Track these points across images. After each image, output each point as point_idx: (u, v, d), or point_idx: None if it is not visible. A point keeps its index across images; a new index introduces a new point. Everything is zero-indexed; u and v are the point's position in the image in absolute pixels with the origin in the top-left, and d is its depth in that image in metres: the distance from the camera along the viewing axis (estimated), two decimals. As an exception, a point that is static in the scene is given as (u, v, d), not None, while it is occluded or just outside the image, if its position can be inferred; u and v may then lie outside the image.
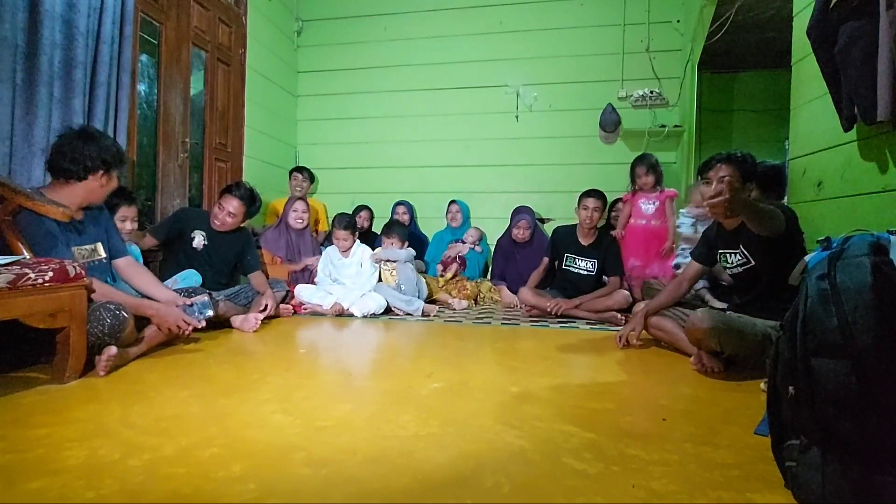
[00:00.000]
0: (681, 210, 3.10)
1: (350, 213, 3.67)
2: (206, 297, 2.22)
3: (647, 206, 3.32)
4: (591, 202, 3.06)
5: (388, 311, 3.07)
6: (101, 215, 2.01)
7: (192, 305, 2.05)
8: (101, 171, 1.82)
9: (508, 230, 3.80)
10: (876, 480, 0.80)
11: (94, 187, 1.83)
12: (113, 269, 2.04)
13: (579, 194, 3.15)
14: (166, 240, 2.65)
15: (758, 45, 4.84)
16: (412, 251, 3.41)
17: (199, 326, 1.99)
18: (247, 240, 2.88)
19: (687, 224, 2.95)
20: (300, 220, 3.39)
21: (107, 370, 1.63)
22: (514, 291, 3.40)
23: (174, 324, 1.90)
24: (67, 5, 2.17)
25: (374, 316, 2.98)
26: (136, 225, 2.39)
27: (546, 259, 3.30)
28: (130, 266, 2.06)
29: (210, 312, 2.12)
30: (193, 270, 2.56)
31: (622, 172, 4.08)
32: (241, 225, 2.81)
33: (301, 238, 3.45)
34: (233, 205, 2.67)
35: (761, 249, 1.84)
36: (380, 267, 3.31)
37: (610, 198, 3.74)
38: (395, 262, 3.28)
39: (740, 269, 1.94)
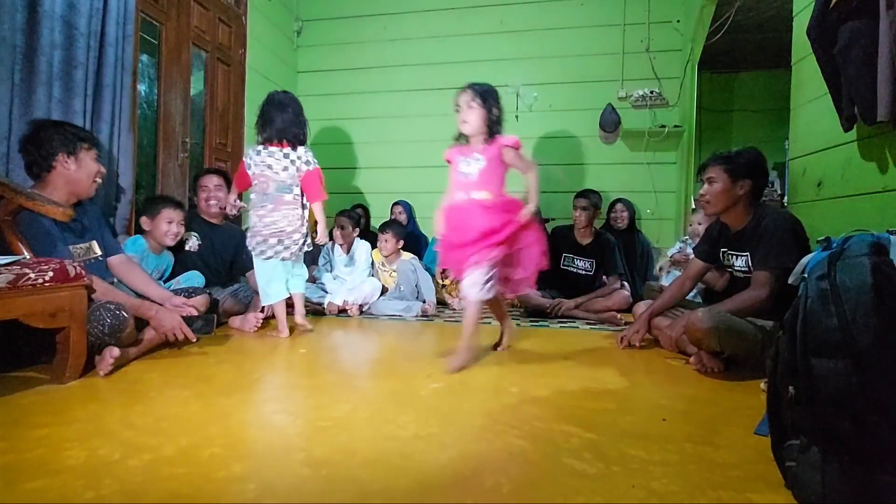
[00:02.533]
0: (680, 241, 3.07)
1: (351, 209, 3.68)
2: (207, 298, 2.23)
3: (468, 164, 1.94)
4: (579, 202, 3.08)
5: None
6: (95, 212, 2.02)
7: (196, 318, 2.07)
8: (61, 153, 1.79)
9: None
10: (876, 480, 0.80)
11: (69, 174, 1.81)
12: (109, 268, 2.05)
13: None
14: None
15: (758, 45, 4.84)
16: (415, 257, 3.41)
17: (193, 340, 1.97)
18: (241, 239, 2.81)
19: (675, 248, 2.98)
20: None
21: (108, 371, 1.63)
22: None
23: (171, 330, 1.89)
24: (67, 6, 2.17)
25: (372, 315, 2.98)
26: (182, 228, 2.42)
27: None
28: (125, 264, 2.05)
29: (210, 330, 2.22)
30: (196, 272, 2.56)
31: (622, 173, 4.09)
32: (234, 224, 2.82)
33: None
34: (213, 181, 2.70)
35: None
36: (379, 269, 3.31)
37: (609, 197, 3.75)
38: (394, 262, 3.28)
39: (742, 275, 1.94)
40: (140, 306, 1.87)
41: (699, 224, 2.90)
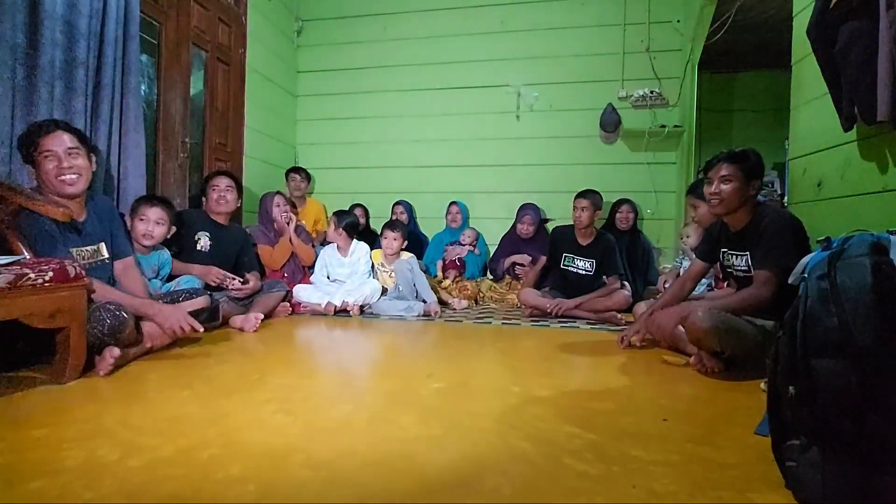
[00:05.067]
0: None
1: (348, 210, 3.66)
2: (207, 299, 2.23)
3: None
4: (580, 202, 3.05)
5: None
6: (107, 213, 2.00)
7: (200, 311, 2.07)
8: (26, 167, 1.77)
9: (514, 225, 3.89)
10: (876, 480, 0.80)
11: (41, 182, 1.77)
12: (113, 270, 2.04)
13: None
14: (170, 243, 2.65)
15: (758, 45, 4.85)
16: (413, 256, 3.41)
17: (200, 330, 1.96)
18: (246, 240, 2.96)
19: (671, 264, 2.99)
20: (286, 214, 3.31)
21: (108, 371, 1.63)
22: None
23: (176, 325, 1.88)
24: (68, 6, 2.17)
25: (372, 314, 2.99)
26: (162, 229, 2.37)
27: (543, 258, 3.31)
28: (128, 269, 2.04)
29: (217, 318, 2.19)
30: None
31: (622, 172, 4.09)
32: (242, 226, 2.85)
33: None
34: (224, 182, 2.76)
35: None
36: (378, 269, 3.31)
37: (610, 198, 3.75)
38: (392, 263, 3.27)
39: (742, 274, 1.94)
40: (141, 306, 1.87)
41: (687, 237, 2.90)
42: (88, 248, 1.88)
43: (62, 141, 1.76)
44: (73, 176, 1.78)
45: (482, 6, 4.32)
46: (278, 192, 3.43)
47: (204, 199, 2.81)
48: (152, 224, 2.33)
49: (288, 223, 3.28)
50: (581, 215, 3.05)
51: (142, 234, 2.31)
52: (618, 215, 3.75)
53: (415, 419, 1.29)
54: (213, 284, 2.55)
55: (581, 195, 3.08)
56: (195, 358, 1.91)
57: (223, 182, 2.77)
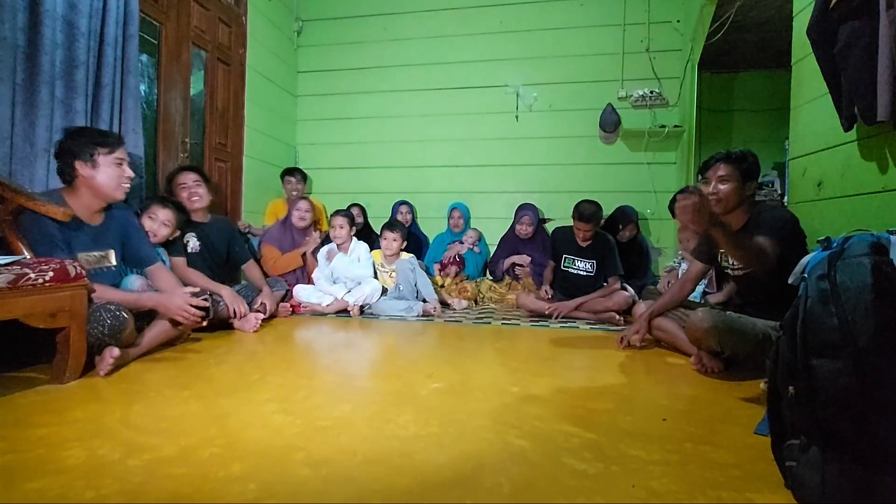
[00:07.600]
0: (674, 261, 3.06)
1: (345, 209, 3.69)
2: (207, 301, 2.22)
3: None
4: (583, 226, 3.02)
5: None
6: (123, 222, 2.02)
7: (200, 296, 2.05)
8: (78, 161, 1.79)
9: (512, 226, 3.88)
10: (876, 480, 0.80)
11: (88, 181, 1.81)
12: (122, 274, 2.05)
13: (574, 204, 3.10)
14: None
15: (758, 45, 4.84)
16: (413, 256, 3.41)
17: (206, 305, 1.96)
18: (233, 230, 2.97)
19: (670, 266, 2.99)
20: (303, 219, 3.39)
21: (108, 371, 1.63)
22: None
23: (178, 310, 1.88)
24: (68, 5, 2.17)
25: (372, 314, 2.99)
26: (167, 230, 2.39)
27: (552, 263, 3.31)
28: (161, 271, 2.12)
29: (209, 316, 2.14)
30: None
31: (622, 173, 4.09)
32: (217, 214, 2.86)
33: (303, 237, 3.45)
34: (191, 178, 2.68)
35: None
36: (378, 270, 3.32)
37: (609, 198, 3.73)
38: (392, 263, 3.28)
39: (741, 273, 1.94)
40: (139, 298, 1.87)
41: (688, 241, 2.89)
42: (95, 253, 1.88)
43: (126, 154, 1.94)
44: (128, 185, 1.93)
45: (482, 6, 4.32)
46: (304, 198, 3.50)
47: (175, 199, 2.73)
48: (159, 223, 2.36)
49: (307, 240, 3.35)
50: (585, 236, 3.06)
51: (146, 230, 2.32)
52: (622, 232, 3.58)
53: (414, 418, 1.29)
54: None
55: (584, 220, 3.01)
56: (195, 358, 1.91)
57: (190, 178, 2.66)
